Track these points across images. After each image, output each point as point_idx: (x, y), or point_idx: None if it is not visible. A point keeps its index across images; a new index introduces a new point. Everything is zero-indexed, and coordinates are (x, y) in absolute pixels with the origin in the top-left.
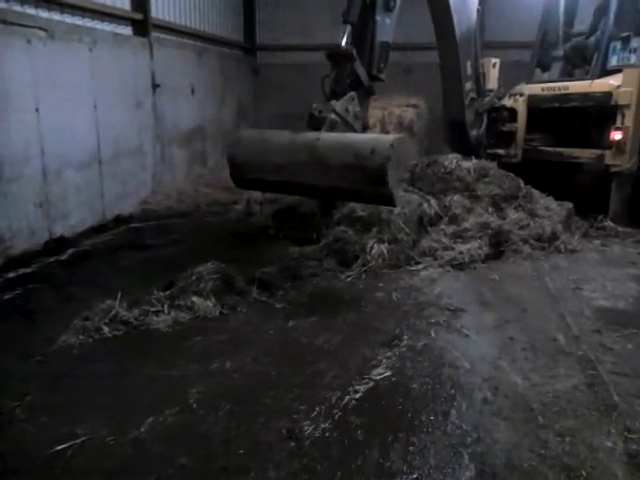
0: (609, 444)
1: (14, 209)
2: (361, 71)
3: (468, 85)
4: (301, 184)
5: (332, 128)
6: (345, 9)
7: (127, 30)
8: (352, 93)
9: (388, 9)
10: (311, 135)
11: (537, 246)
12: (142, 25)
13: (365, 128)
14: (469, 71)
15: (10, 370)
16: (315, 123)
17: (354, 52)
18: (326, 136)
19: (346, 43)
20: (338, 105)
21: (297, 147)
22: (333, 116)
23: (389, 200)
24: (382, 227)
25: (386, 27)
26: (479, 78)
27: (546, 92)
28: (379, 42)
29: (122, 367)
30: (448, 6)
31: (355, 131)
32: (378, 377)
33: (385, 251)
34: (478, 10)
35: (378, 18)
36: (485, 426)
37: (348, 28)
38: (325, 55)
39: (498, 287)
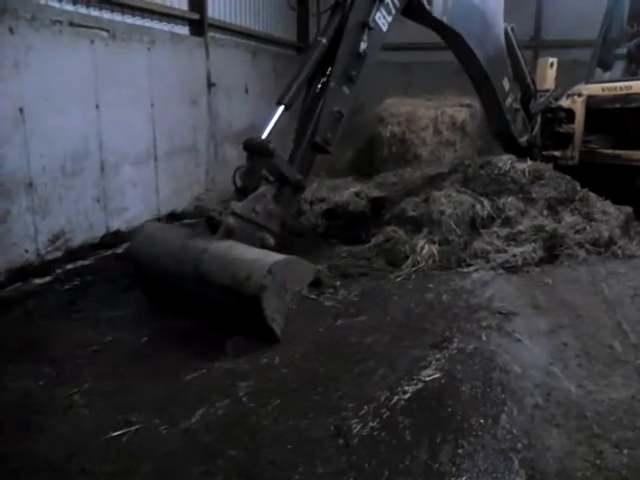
0: None
1: (74, 203)
2: (284, 166)
3: (509, 100)
4: (189, 295)
5: (230, 235)
6: (282, 91)
7: (184, 30)
8: (262, 190)
9: (349, 79)
10: (200, 246)
11: (593, 251)
12: (199, 25)
13: (284, 226)
14: (507, 88)
15: (69, 358)
16: (212, 228)
17: (270, 147)
18: (213, 249)
19: (268, 134)
20: (239, 207)
21: (184, 259)
22: (232, 220)
23: (269, 333)
24: (433, 228)
25: (341, 96)
26: (527, 83)
27: (607, 92)
28: (329, 110)
29: (174, 359)
30: (467, 46)
31: (269, 232)
32: (427, 378)
33: (436, 252)
34: (514, 28)
35: (332, 84)
36: (536, 432)
37: (277, 113)
38: (242, 146)
39: (552, 291)
